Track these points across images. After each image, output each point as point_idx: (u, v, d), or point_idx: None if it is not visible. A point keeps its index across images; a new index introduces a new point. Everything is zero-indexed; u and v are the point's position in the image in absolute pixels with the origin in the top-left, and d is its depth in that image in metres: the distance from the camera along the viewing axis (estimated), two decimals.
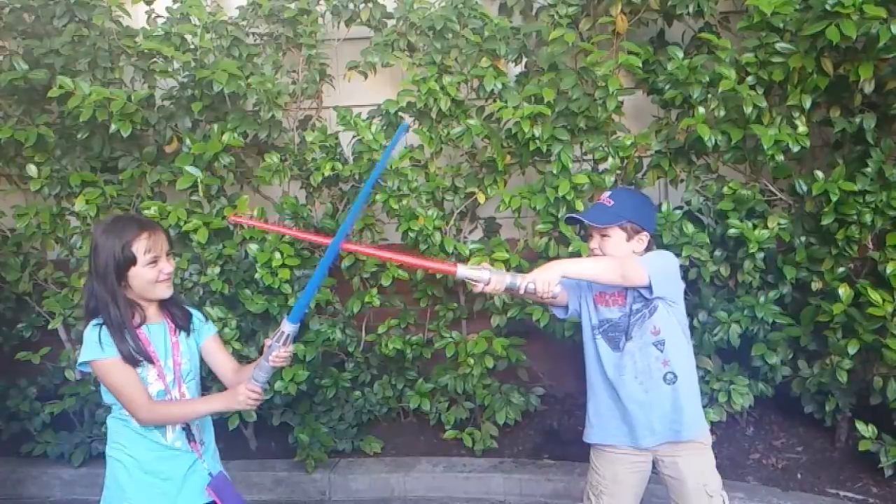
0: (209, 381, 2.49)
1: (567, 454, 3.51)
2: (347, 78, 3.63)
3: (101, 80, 3.45)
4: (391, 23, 3.61)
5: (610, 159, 3.26)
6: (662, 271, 2.22)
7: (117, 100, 3.20)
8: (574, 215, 2.41)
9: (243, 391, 1.98)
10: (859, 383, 3.22)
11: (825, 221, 3.00)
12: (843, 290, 3.01)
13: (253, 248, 3.33)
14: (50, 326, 3.63)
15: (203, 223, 3.28)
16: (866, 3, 2.70)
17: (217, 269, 3.35)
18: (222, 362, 2.22)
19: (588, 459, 2.47)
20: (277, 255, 3.29)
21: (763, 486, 3.24)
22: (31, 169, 3.45)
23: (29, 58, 3.42)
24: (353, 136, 3.46)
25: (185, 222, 3.25)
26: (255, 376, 1.99)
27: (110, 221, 2.10)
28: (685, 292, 3.26)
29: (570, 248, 3.20)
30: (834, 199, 2.92)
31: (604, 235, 2.30)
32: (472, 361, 3.45)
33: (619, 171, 3.29)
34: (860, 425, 3.14)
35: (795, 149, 2.95)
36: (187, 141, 3.35)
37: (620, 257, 2.25)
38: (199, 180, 3.29)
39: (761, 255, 3.08)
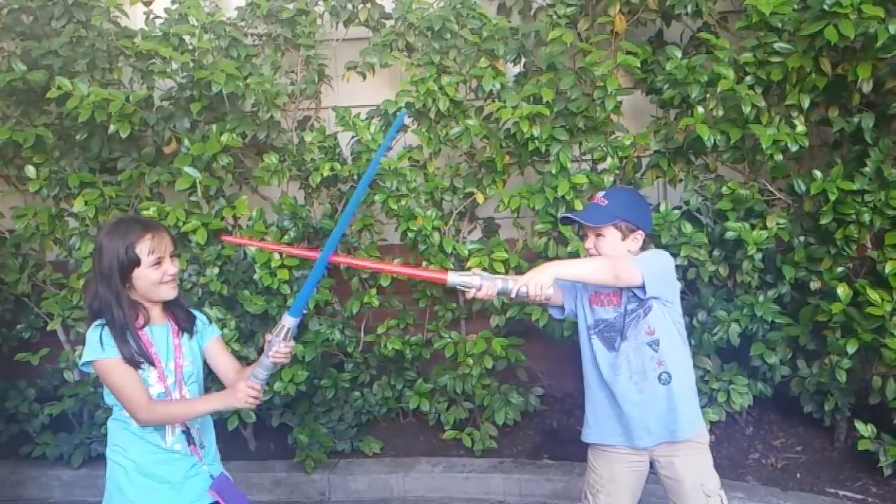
0: (209, 382, 2.49)
1: (566, 454, 3.51)
2: (346, 78, 3.64)
3: (100, 81, 3.45)
4: (390, 23, 3.62)
5: (609, 159, 3.26)
6: (656, 271, 2.21)
7: (116, 100, 3.20)
8: (569, 215, 2.42)
9: (243, 388, 1.98)
10: (858, 383, 3.22)
11: (824, 221, 3.00)
12: (842, 290, 3.01)
13: (252, 248, 3.33)
14: (49, 328, 3.63)
15: (202, 224, 3.28)
16: (864, 3, 2.71)
17: (216, 270, 3.35)
18: (224, 364, 2.21)
19: (587, 459, 2.47)
20: (276, 255, 3.29)
21: (762, 486, 3.24)
22: (30, 170, 3.45)
23: (27, 59, 3.42)
24: (352, 137, 3.46)
25: (184, 223, 3.25)
26: (256, 374, 1.99)
27: (114, 223, 2.11)
28: (684, 292, 3.31)
29: (569, 248, 3.20)
30: (832, 198, 2.92)
31: (599, 235, 2.30)
32: (471, 361, 3.45)
33: (617, 171, 3.30)
34: (859, 425, 3.14)
35: (794, 148, 2.96)
36: (186, 141, 3.35)
37: (613, 258, 2.25)
38: (197, 181, 3.29)
39: (759, 255, 3.08)
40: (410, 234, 3.33)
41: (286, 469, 3.64)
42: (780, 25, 2.95)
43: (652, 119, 3.52)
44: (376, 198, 3.33)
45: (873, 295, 2.90)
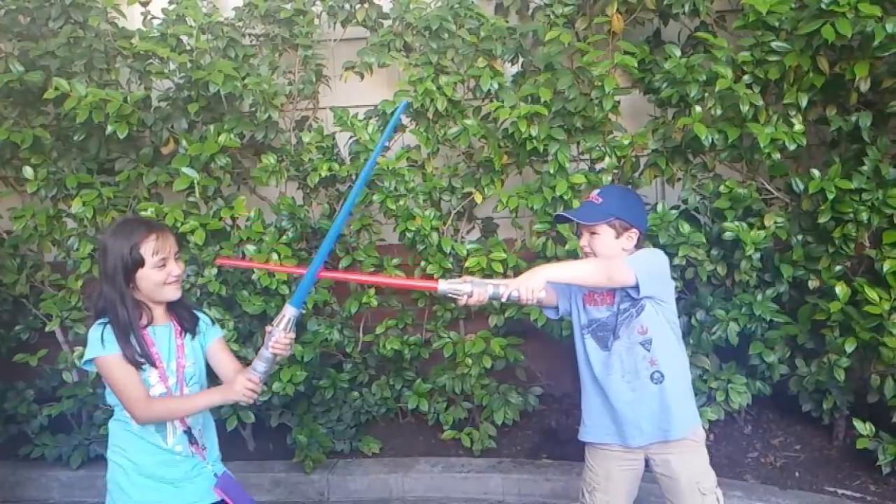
0: (210, 383, 2.48)
1: (565, 454, 3.51)
2: (344, 78, 3.63)
3: (97, 82, 3.45)
4: (387, 23, 3.61)
5: (607, 159, 3.26)
6: (650, 270, 2.20)
7: (113, 101, 3.20)
8: (563, 213, 2.41)
9: (241, 381, 1.97)
10: (857, 381, 3.23)
11: (822, 220, 3.00)
12: (840, 289, 3.01)
13: (250, 249, 3.33)
14: (47, 328, 3.62)
15: (200, 224, 3.27)
16: (861, 2, 2.71)
17: (214, 271, 3.35)
18: (225, 364, 2.20)
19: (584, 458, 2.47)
20: (275, 256, 3.29)
21: (761, 485, 3.24)
22: (28, 171, 3.45)
23: (25, 60, 3.42)
24: (350, 137, 3.46)
25: (182, 223, 3.24)
26: (255, 366, 1.99)
27: (120, 223, 2.12)
28: (682, 291, 3.31)
29: (567, 247, 3.20)
30: (830, 197, 2.92)
31: (593, 233, 2.29)
32: (470, 361, 3.45)
33: (616, 171, 3.30)
34: (858, 423, 3.14)
35: (792, 147, 2.96)
36: (184, 142, 3.35)
37: (606, 259, 2.24)
38: (195, 181, 3.28)
39: (758, 254, 3.08)
40: (409, 234, 3.33)
41: (285, 469, 3.64)
42: (777, 24, 2.95)
43: (650, 118, 3.52)
44: (374, 198, 3.33)
45: (871, 293, 2.90)
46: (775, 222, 3.09)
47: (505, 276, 3.29)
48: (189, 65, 3.32)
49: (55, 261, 3.75)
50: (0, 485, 3.71)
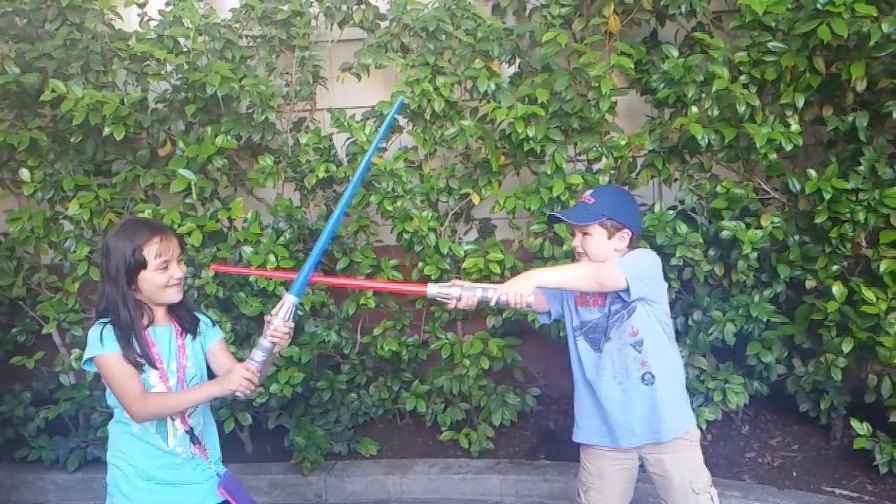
0: None
1: (563, 454, 3.51)
2: (341, 80, 3.63)
3: (94, 84, 3.45)
4: (384, 24, 3.62)
5: (604, 159, 3.27)
6: (640, 272, 2.19)
7: (110, 103, 3.19)
8: (555, 213, 2.41)
9: (238, 370, 1.95)
10: (854, 381, 3.23)
11: (818, 220, 3.00)
12: (837, 289, 3.01)
13: (247, 250, 3.32)
14: (44, 331, 3.62)
15: (197, 226, 3.27)
16: (857, 2, 2.71)
17: (211, 272, 3.34)
18: (225, 364, 2.18)
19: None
20: (272, 257, 3.28)
21: (759, 485, 3.24)
22: (24, 173, 3.44)
23: (21, 61, 3.42)
24: (347, 138, 3.46)
25: (179, 225, 3.24)
26: (253, 356, 1.98)
27: (123, 224, 2.12)
28: (679, 292, 3.31)
29: (565, 248, 3.20)
30: (827, 197, 2.92)
31: (585, 233, 2.29)
32: (467, 362, 3.45)
33: (613, 171, 3.30)
34: (855, 423, 3.14)
35: (788, 147, 2.96)
36: (181, 144, 3.35)
37: (597, 264, 2.24)
38: (192, 183, 3.28)
39: (755, 254, 3.08)
40: (406, 236, 3.33)
41: (283, 471, 3.64)
42: (773, 25, 2.96)
43: (647, 119, 3.53)
44: (372, 199, 3.32)
45: (868, 293, 2.91)
46: (772, 222, 3.09)
47: (502, 276, 3.29)
48: (186, 66, 3.32)
49: (52, 263, 3.74)
50: None
